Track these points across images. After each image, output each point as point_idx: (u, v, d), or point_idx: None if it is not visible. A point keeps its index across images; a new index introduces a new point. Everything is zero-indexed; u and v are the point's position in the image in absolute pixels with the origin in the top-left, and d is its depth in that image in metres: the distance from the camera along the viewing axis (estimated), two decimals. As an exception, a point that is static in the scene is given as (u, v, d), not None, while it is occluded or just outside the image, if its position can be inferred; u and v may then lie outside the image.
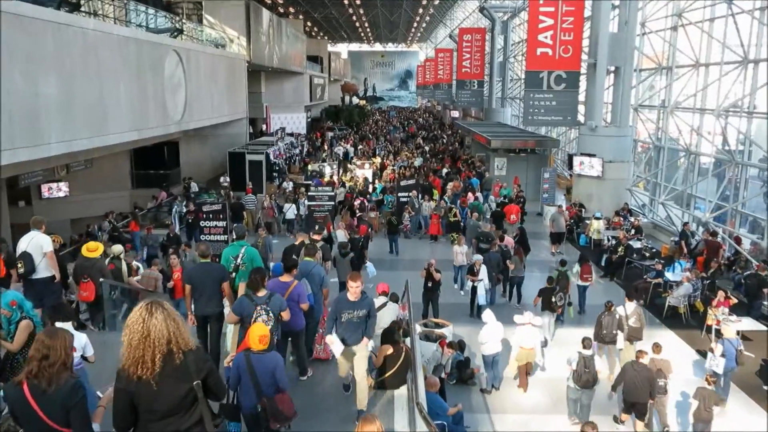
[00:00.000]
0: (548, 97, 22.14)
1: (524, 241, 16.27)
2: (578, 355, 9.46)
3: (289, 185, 24.93)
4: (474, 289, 13.32)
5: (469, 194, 21.84)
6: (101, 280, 9.62)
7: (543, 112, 22.36)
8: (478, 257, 13.54)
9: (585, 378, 9.37)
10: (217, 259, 8.65)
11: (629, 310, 11.09)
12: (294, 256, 8.93)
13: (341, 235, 16.94)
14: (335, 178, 26.71)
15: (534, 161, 26.41)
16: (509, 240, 15.75)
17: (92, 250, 9.72)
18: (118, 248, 11.03)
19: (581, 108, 23.73)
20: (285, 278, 7.47)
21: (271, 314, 6.65)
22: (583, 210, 21.44)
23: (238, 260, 8.23)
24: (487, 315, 10.79)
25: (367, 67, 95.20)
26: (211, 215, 17.13)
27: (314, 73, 51.10)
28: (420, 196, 21.49)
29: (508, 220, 19.49)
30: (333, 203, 19.53)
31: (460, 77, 42.26)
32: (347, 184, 24.62)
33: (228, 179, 25.03)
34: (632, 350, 10.25)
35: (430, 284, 12.95)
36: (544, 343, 11.54)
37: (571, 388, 9.59)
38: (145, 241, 16.68)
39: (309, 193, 19.56)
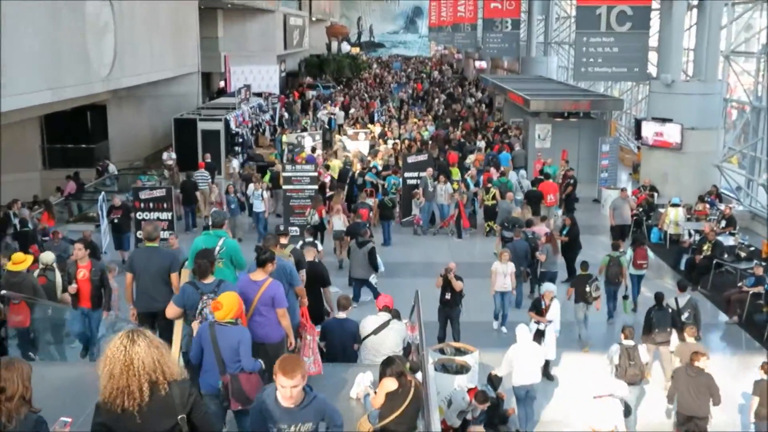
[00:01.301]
0: (608, 41, 22.03)
1: (575, 235, 16.27)
2: (619, 347, 10.44)
3: (233, 163, 24.81)
4: (540, 334, 12.06)
5: (492, 169, 22.09)
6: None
7: (601, 61, 22.24)
8: (549, 287, 12.60)
9: (631, 372, 10.26)
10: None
11: (682, 302, 12.11)
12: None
13: (339, 221, 17.52)
14: (317, 152, 26.72)
15: (588, 129, 26.39)
16: (540, 228, 16.30)
17: (18, 261, 9.92)
18: (48, 256, 11.14)
19: (652, 56, 23.62)
20: (257, 275, 7.61)
21: None
22: (656, 195, 21.43)
23: (215, 254, 8.39)
24: (521, 331, 10.69)
25: (361, 3, 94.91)
26: (151, 205, 17.08)
27: (290, 11, 50.95)
28: (434, 176, 21.53)
29: (545, 203, 20.03)
30: (316, 187, 19.50)
31: (488, 15, 42.10)
32: (332, 163, 24.31)
33: (173, 155, 25.00)
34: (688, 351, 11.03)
35: (448, 296, 12.98)
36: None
37: None
38: (51, 248, 16.11)
39: (284, 174, 19.52)
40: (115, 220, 17.44)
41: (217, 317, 6.55)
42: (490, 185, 20.56)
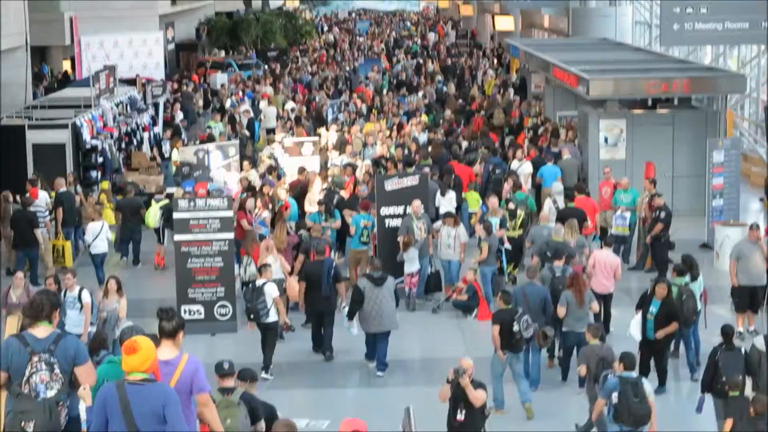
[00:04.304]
0: (715, -19, 22.33)
1: (673, 310, 16.21)
2: (618, 380, 12.58)
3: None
4: None
5: (506, 184, 23.26)
6: None
7: (705, 13, 22.51)
8: None
9: (639, 412, 12.44)
10: None
11: None
12: None
13: (275, 265, 18.16)
14: (233, 175, 26.67)
15: (689, 126, 26.64)
16: (579, 267, 17.83)
17: None
18: None
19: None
20: (165, 352, 8.37)
21: (57, 370, 8.02)
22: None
23: None
24: None
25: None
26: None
27: (180, -61, 51.36)
28: (433, 212, 21.68)
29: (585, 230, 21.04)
30: (231, 236, 19.46)
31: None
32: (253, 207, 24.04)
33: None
34: None
35: (461, 416, 12.93)
36: None
37: None
38: None
39: (176, 215, 19.49)
40: None
41: (127, 365, 7.48)
42: (513, 205, 21.48)
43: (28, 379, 7.88)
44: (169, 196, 23.64)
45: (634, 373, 12.74)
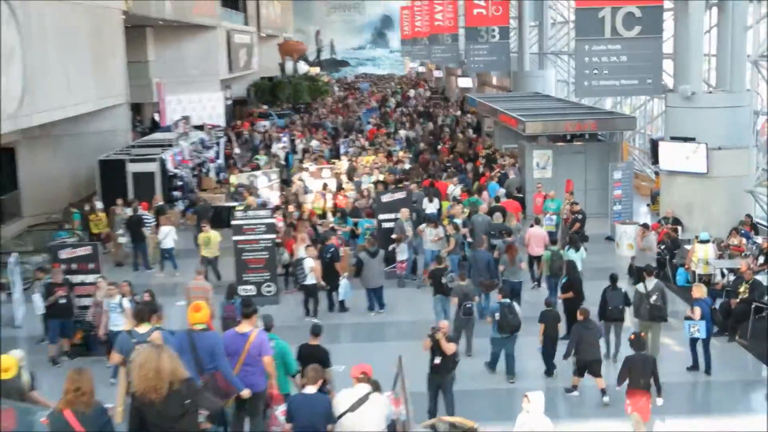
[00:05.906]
0: (614, 49, 22.36)
1: (577, 286, 16.27)
2: (499, 305, 14.53)
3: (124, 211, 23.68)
4: None
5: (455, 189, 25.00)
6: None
7: (607, 73, 22.53)
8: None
9: (513, 323, 14.40)
10: None
11: (650, 286, 15.32)
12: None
13: (303, 253, 18.80)
14: (271, 193, 26.76)
15: (596, 154, 26.72)
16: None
17: (7, 368, 9.83)
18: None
19: (668, 65, 23.97)
20: (243, 327, 9.96)
21: None
22: (680, 229, 21.63)
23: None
24: (534, 399, 10.45)
25: (319, 14, 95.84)
26: (73, 266, 16.93)
27: (234, 26, 51.27)
28: (416, 217, 21.71)
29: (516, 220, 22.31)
30: (274, 236, 19.54)
31: (471, 23, 42.61)
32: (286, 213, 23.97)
33: (99, 205, 24.87)
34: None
35: (437, 361, 13.00)
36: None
37: (495, 339, 14.73)
38: None
39: (234, 222, 19.54)
40: (62, 300, 16.18)
41: (194, 318, 9.24)
42: (463, 206, 22.45)
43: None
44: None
45: (508, 300, 14.65)
